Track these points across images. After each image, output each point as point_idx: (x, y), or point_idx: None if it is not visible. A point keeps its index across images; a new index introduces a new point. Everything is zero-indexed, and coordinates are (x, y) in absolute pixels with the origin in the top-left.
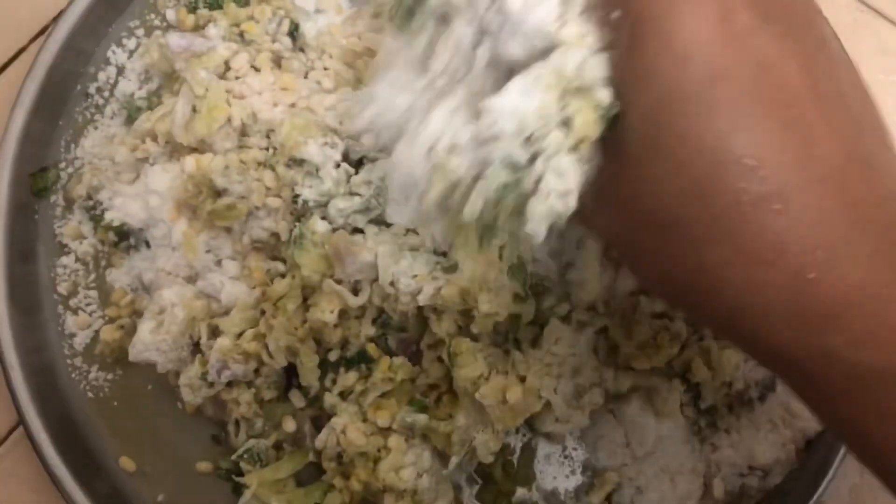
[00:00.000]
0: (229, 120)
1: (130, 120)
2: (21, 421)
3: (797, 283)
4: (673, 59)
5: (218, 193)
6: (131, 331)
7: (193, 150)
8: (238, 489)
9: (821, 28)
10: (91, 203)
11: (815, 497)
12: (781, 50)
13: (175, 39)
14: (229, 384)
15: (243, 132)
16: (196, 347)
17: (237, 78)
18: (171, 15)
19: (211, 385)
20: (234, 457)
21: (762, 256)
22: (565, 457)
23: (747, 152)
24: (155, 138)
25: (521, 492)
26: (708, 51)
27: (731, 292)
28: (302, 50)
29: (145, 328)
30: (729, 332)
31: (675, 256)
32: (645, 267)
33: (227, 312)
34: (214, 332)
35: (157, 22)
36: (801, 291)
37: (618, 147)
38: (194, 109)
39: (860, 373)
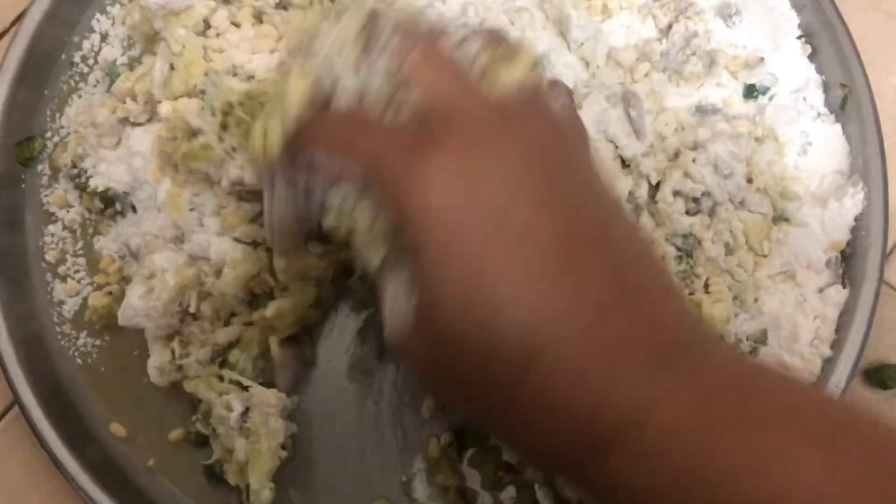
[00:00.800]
0: (207, 74)
1: (113, 86)
2: (11, 389)
3: (578, 417)
4: (436, 213)
5: (193, 134)
6: (119, 297)
7: None
8: None
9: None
10: (76, 171)
11: None
12: (533, 217)
13: None
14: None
15: None
16: (185, 314)
17: (217, 35)
18: None
19: (180, 368)
20: (193, 418)
21: (543, 414)
22: None
23: (513, 310)
24: (135, 98)
25: (513, 451)
26: (468, 214)
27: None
28: (285, 8)
29: (134, 293)
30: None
31: (467, 394)
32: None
33: (218, 271)
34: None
35: None
36: (583, 423)
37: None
38: (172, 67)
39: (636, 491)
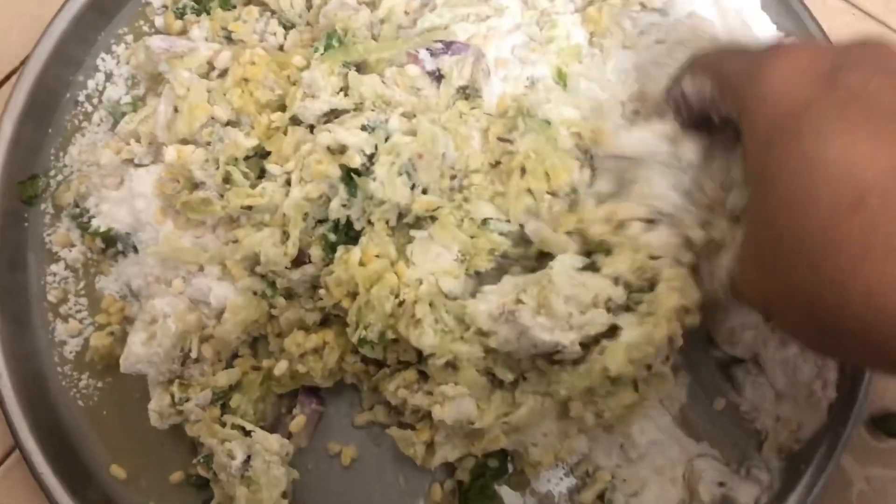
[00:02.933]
0: (212, 118)
1: (116, 126)
2: (11, 433)
3: None
4: (771, 97)
5: (195, 185)
6: (121, 337)
7: None
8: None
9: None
10: (78, 210)
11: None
12: (865, 82)
13: (156, 41)
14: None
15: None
16: (187, 358)
17: (220, 77)
18: (159, 22)
19: (180, 413)
20: (194, 461)
21: (873, 253)
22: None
23: (839, 159)
24: (139, 139)
25: (513, 496)
26: (800, 86)
27: (856, 299)
28: (281, 48)
29: (136, 339)
30: (865, 349)
31: (798, 277)
32: (784, 308)
33: (219, 315)
34: (205, 339)
35: (146, 28)
36: None
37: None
38: (176, 110)
39: None
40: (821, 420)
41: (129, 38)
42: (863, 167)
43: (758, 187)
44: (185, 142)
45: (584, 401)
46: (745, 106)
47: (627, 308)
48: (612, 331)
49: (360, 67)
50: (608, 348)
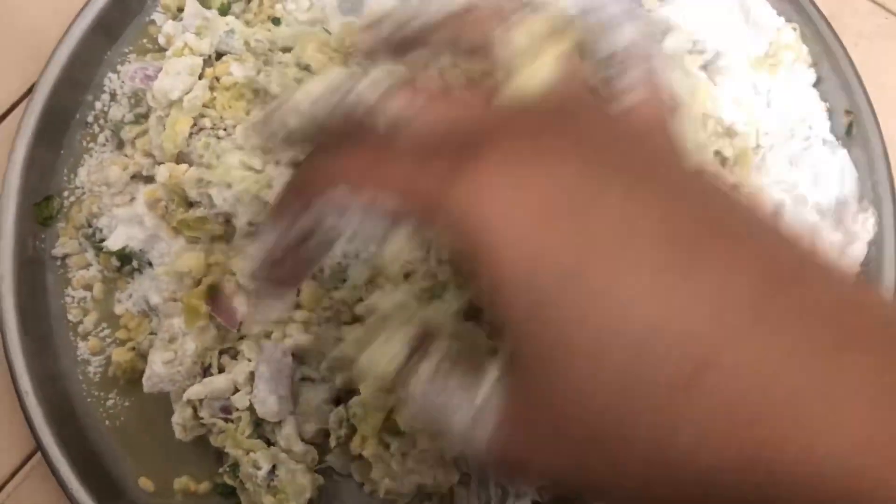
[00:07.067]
0: (201, 129)
1: (120, 145)
2: (39, 448)
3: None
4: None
5: (190, 204)
6: (142, 351)
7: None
8: None
9: (677, 171)
10: (91, 230)
11: None
12: (633, 210)
13: (133, 67)
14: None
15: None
16: (207, 371)
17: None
18: (162, 40)
19: (203, 425)
20: (220, 470)
21: (714, 433)
22: None
23: (649, 324)
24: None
25: None
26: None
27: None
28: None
29: (157, 359)
30: None
31: (610, 457)
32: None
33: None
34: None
35: (149, 46)
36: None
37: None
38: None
39: None
40: None
41: (133, 56)
42: (683, 317)
43: (530, 365)
44: (179, 158)
45: None
46: (464, 230)
47: None
48: None
49: None
50: None
